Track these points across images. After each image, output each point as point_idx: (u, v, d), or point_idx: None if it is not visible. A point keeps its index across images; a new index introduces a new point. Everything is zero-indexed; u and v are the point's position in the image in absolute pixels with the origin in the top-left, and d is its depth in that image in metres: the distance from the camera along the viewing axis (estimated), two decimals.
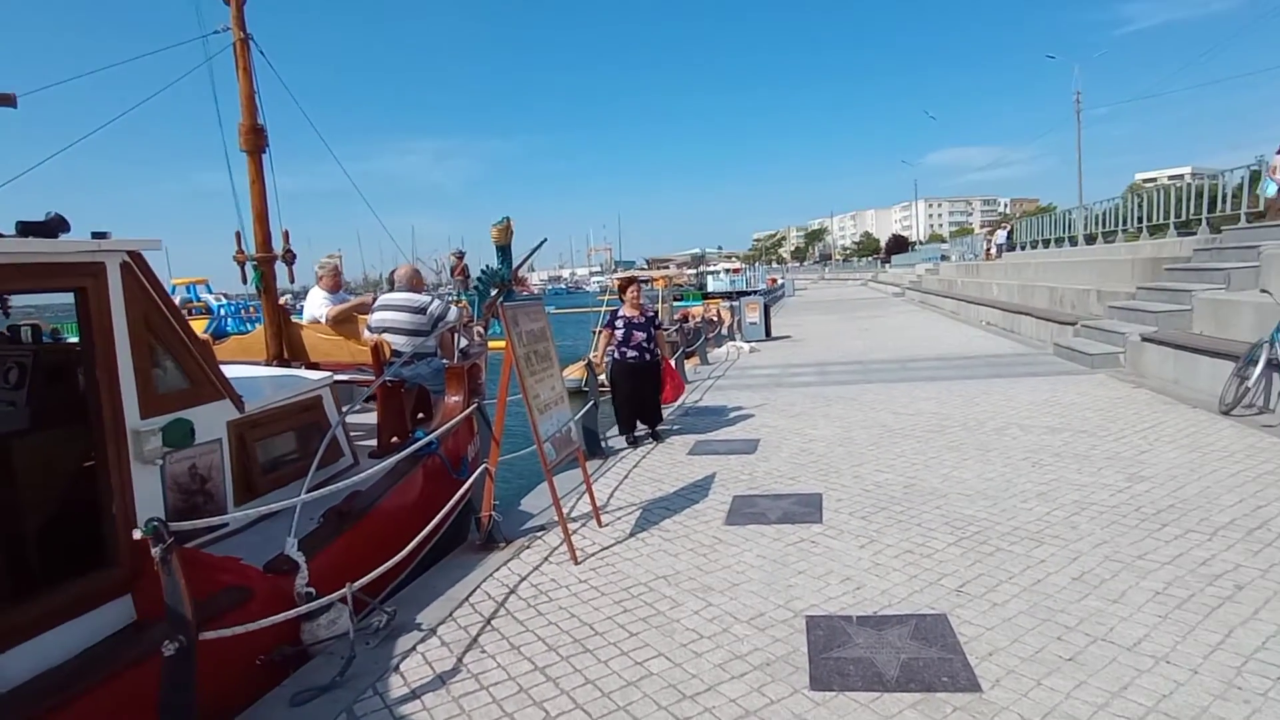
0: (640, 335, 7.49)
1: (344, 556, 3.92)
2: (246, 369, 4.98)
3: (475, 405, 4.83)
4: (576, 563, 4.53)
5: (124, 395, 3.17)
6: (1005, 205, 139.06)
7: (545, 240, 6.79)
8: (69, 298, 3.13)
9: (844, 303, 34.18)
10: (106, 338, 3.12)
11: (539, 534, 5.09)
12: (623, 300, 7.57)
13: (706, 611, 3.84)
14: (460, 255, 8.52)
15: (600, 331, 8.47)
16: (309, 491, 3.87)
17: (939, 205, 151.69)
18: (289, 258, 5.62)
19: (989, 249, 29.78)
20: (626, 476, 6.46)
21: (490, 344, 6.87)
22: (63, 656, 2.84)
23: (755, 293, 32.87)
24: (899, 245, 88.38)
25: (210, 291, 23.13)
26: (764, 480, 6.11)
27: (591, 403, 7.16)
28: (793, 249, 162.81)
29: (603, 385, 8.15)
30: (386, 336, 5.67)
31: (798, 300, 40.08)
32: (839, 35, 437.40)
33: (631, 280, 8.08)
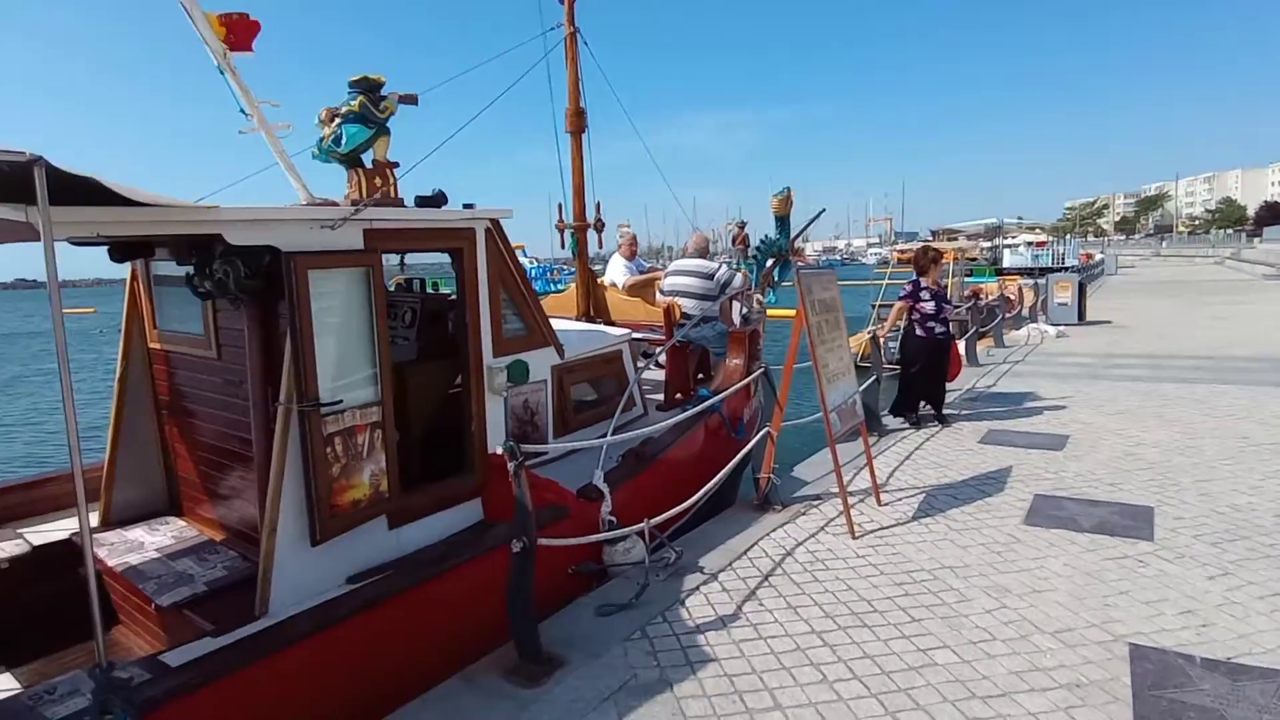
0: (947, 308, 7.04)
1: (636, 494, 4.33)
2: (561, 323, 5.65)
3: (763, 370, 4.94)
4: (854, 537, 4.46)
5: (484, 337, 3.83)
6: None
7: (824, 210, 6.63)
8: (424, 258, 3.81)
9: (1188, 284, 28.03)
10: (474, 290, 3.79)
11: (814, 503, 5.09)
12: (920, 273, 7.05)
13: (1000, 613, 3.55)
14: (742, 225, 8.67)
15: (892, 304, 8.01)
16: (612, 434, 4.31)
17: None
18: (599, 226, 6.23)
19: None
20: (908, 458, 6.15)
21: (768, 311, 6.94)
22: (437, 537, 3.60)
23: (1066, 269, 28.53)
24: (1275, 214, 69.76)
25: (525, 255, 26.37)
26: (1074, 482, 5.40)
27: (873, 378, 6.89)
28: (1117, 219, 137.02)
29: (887, 362, 7.77)
30: (678, 299, 6.02)
31: (1122, 279, 33.81)
32: None
33: (940, 252, 7.52)
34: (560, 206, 6.21)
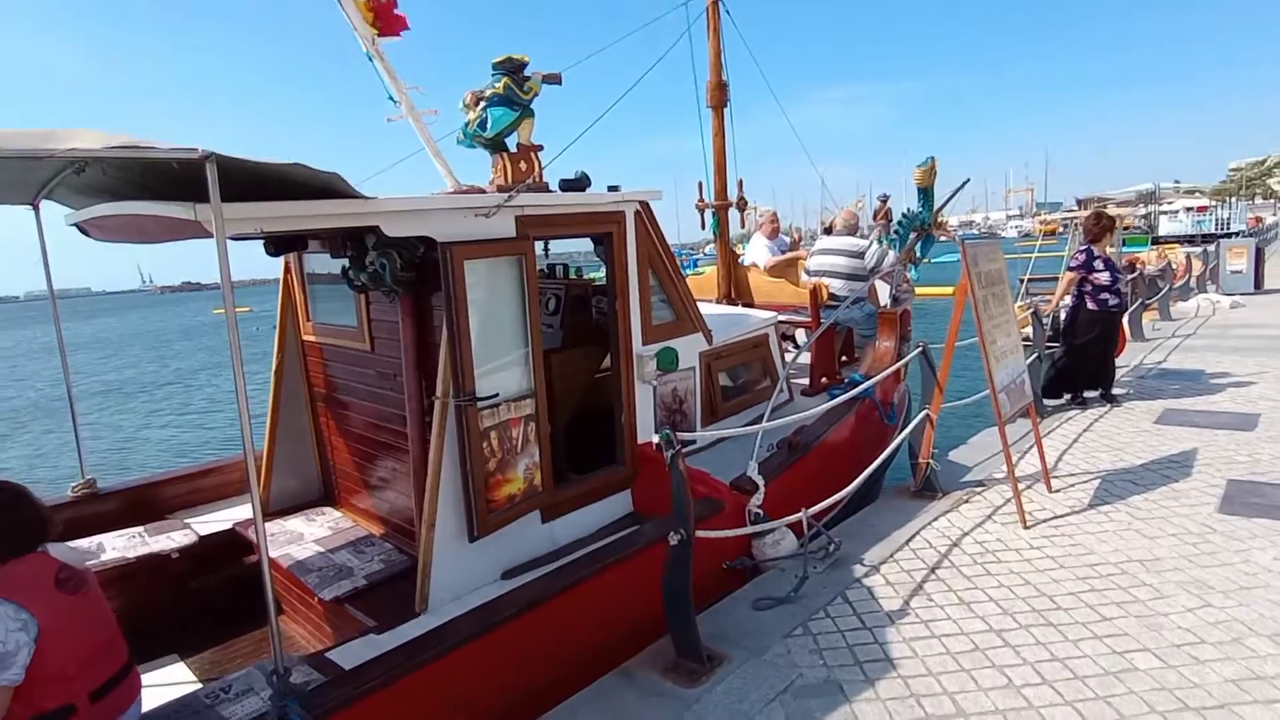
0: (1122, 278, 6.44)
1: (789, 485, 4.16)
2: (704, 307, 5.57)
3: (921, 348, 4.68)
4: (1026, 526, 4.18)
5: (633, 324, 3.79)
6: None
7: (969, 180, 6.17)
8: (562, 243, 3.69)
9: None
10: (623, 275, 3.73)
11: (977, 489, 4.80)
12: (1093, 241, 6.40)
13: (1205, 613, 3.23)
14: (884, 199, 8.27)
15: (1043, 278, 7.41)
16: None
17: None
18: (741, 205, 6.07)
19: None
20: (1076, 440, 5.67)
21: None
22: (589, 529, 3.57)
23: (1232, 235, 25.47)
24: None
25: None
26: (1272, 466, 4.85)
27: (1035, 355, 6.40)
28: None
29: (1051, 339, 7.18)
30: (825, 280, 5.80)
31: None
32: None
33: (1113, 219, 6.86)
34: (700, 185, 6.09)
